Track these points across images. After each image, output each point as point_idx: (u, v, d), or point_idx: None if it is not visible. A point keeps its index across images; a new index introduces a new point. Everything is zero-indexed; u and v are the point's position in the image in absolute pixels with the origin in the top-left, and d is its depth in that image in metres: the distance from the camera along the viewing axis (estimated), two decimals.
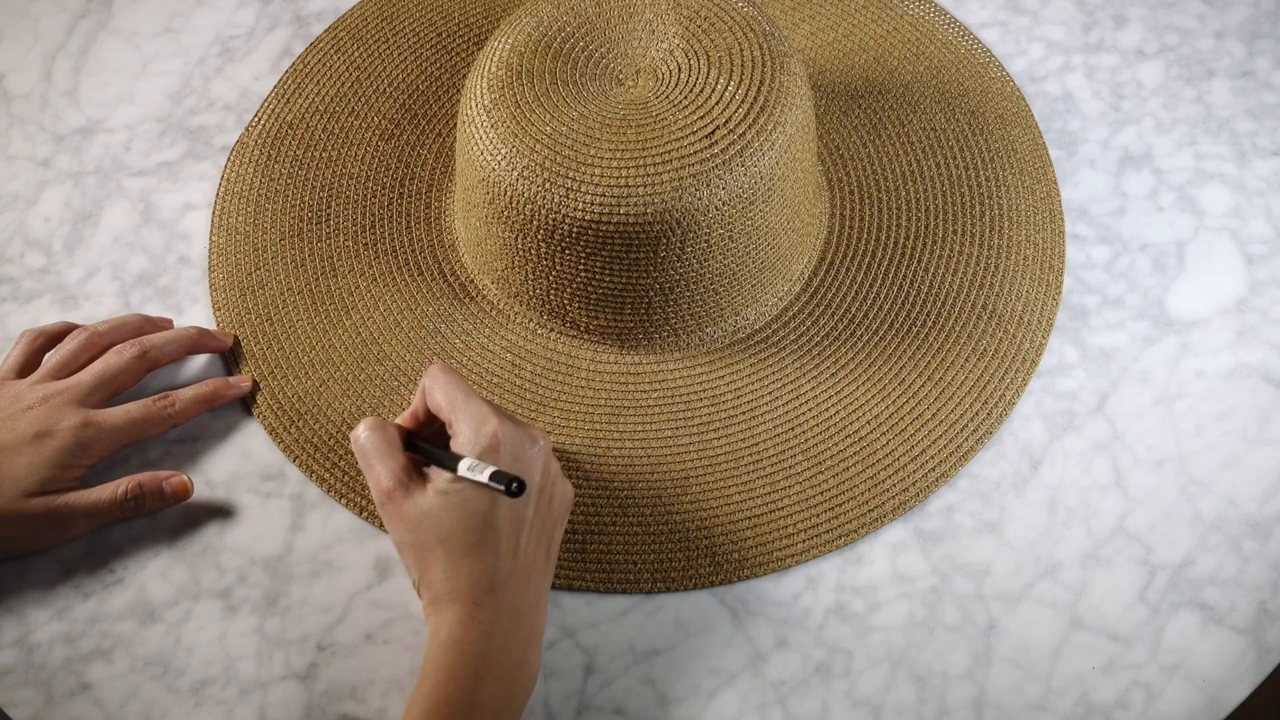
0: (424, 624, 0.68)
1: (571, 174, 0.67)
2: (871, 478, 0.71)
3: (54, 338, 0.73)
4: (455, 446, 0.63)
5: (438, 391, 0.65)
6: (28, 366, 0.72)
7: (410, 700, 0.60)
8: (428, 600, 0.63)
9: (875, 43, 0.85)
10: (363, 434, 0.65)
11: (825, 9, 0.86)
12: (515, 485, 0.58)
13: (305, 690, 0.67)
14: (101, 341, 0.72)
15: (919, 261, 0.77)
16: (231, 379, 0.74)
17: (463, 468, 0.60)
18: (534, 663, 0.62)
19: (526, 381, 0.74)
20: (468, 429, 0.63)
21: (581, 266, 0.70)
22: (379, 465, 0.64)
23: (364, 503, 0.71)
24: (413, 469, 0.64)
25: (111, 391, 0.71)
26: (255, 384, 0.74)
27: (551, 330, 0.75)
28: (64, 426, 0.68)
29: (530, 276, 0.72)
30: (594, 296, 0.72)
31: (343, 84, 0.85)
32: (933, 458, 0.71)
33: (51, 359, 0.72)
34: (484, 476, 0.59)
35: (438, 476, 0.63)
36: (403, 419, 0.67)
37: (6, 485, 0.67)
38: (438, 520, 0.62)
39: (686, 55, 0.70)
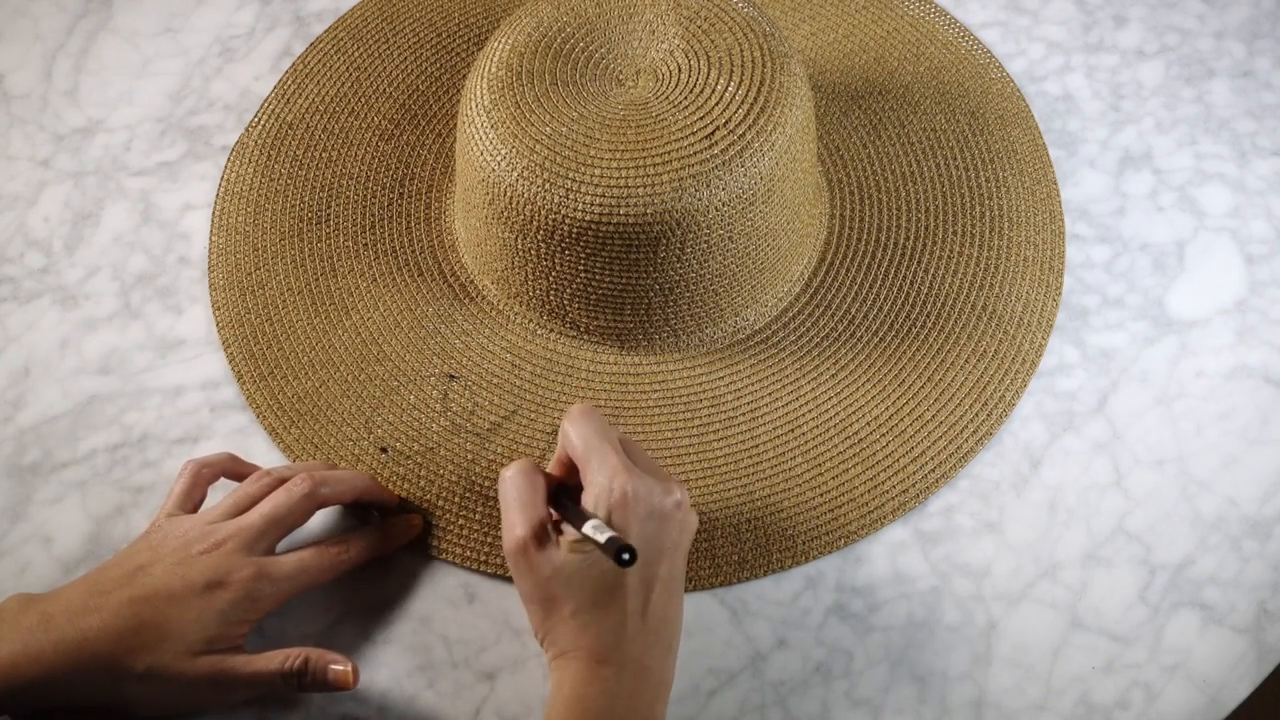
0: (424, 624, 0.68)
1: (571, 174, 0.67)
2: (871, 479, 0.71)
3: (219, 469, 0.69)
4: (587, 497, 0.62)
5: (573, 435, 0.63)
6: (191, 500, 0.68)
7: None
8: (552, 655, 0.62)
9: (875, 43, 0.85)
10: (510, 476, 0.63)
11: (826, 10, 0.86)
12: (626, 556, 0.56)
13: None
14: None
15: (919, 262, 0.77)
16: (408, 519, 0.70)
17: (588, 527, 0.59)
18: (660, 716, 0.61)
19: (526, 382, 0.74)
20: (601, 480, 0.61)
21: (581, 267, 0.70)
22: (516, 514, 0.62)
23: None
24: (550, 522, 0.63)
25: (281, 534, 0.66)
26: (426, 522, 0.70)
27: (551, 331, 0.75)
28: (237, 577, 0.63)
29: (530, 277, 0.72)
30: (594, 297, 0.72)
31: (343, 84, 0.85)
32: (932, 459, 0.71)
33: (228, 500, 0.67)
34: (601, 539, 0.58)
35: (571, 532, 0.62)
36: (552, 467, 0.66)
37: (172, 641, 0.61)
38: (569, 577, 0.61)
39: (686, 56, 0.70)
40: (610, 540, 0.57)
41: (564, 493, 0.64)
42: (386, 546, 0.69)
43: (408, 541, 0.70)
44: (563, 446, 0.65)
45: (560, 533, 0.62)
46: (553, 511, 0.64)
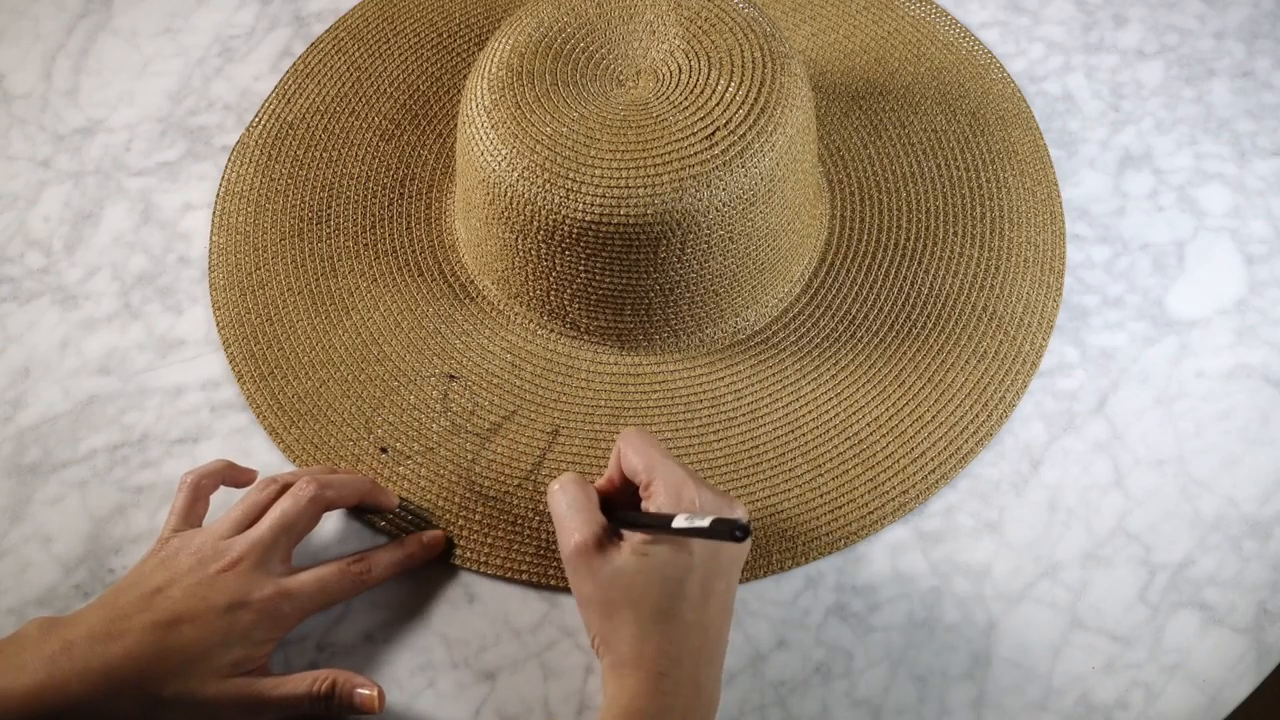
0: (424, 624, 0.68)
1: (572, 175, 0.67)
2: (871, 480, 0.71)
3: (218, 478, 0.69)
4: (651, 506, 0.62)
5: (633, 454, 0.63)
6: (195, 515, 0.67)
7: None
8: (609, 663, 0.61)
9: (876, 44, 0.85)
10: (561, 486, 0.64)
11: (826, 10, 0.86)
12: (739, 531, 0.55)
13: None
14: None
15: (919, 263, 0.77)
16: (425, 537, 0.69)
17: (680, 521, 0.58)
18: None
19: (526, 382, 0.74)
20: (665, 493, 0.61)
21: (581, 267, 0.70)
22: (575, 518, 0.62)
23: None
24: (610, 528, 0.63)
25: (293, 541, 0.65)
26: (449, 540, 0.70)
27: (551, 331, 0.75)
28: (258, 597, 0.62)
29: (530, 277, 0.72)
30: (594, 297, 0.72)
31: (343, 84, 0.85)
32: (932, 459, 0.71)
33: (235, 511, 0.66)
34: (704, 523, 0.57)
35: (632, 538, 0.62)
36: (599, 484, 0.66)
37: (198, 665, 0.60)
38: (631, 581, 0.60)
39: (687, 56, 0.70)
40: (716, 522, 0.56)
41: (617, 510, 0.64)
42: (409, 564, 0.68)
43: (431, 559, 0.69)
44: (615, 465, 0.65)
45: (620, 538, 0.62)
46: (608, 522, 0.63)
